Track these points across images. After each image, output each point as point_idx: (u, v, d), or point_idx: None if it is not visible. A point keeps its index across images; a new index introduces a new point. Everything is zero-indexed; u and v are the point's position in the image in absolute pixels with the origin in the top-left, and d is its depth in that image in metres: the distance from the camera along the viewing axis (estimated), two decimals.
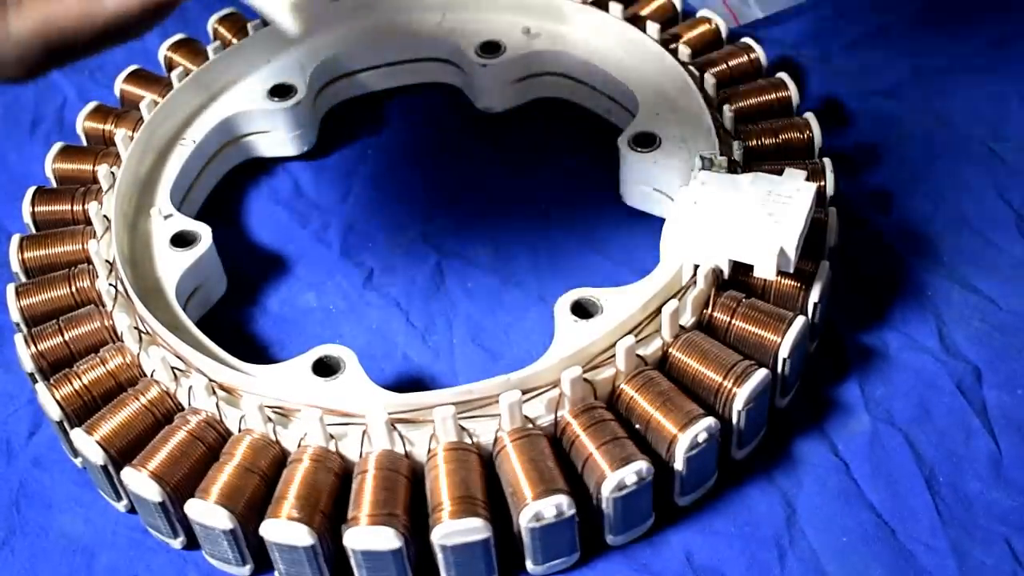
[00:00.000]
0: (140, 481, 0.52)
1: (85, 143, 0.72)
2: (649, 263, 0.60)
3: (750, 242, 0.55)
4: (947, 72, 0.76)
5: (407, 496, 0.51)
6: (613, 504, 0.51)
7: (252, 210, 0.72)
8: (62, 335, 0.59)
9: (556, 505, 0.50)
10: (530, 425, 0.53)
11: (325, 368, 0.56)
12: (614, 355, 0.54)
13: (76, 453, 0.57)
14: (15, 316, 0.61)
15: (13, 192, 0.70)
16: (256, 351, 0.64)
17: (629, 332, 0.55)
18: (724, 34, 0.74)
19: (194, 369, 0.55)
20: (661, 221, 0.58)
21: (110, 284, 0.60)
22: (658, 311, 0.56)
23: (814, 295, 0.57)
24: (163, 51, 0.76)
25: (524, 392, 0.52)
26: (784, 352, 0.55)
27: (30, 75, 0.45)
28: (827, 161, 0.64)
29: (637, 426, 0.54)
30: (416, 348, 0.63)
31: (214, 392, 0.54)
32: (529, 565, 0.53)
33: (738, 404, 0.53)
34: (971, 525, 0.54)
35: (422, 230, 0.69)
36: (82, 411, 0.56)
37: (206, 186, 0.72)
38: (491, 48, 0.74)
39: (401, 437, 0.52)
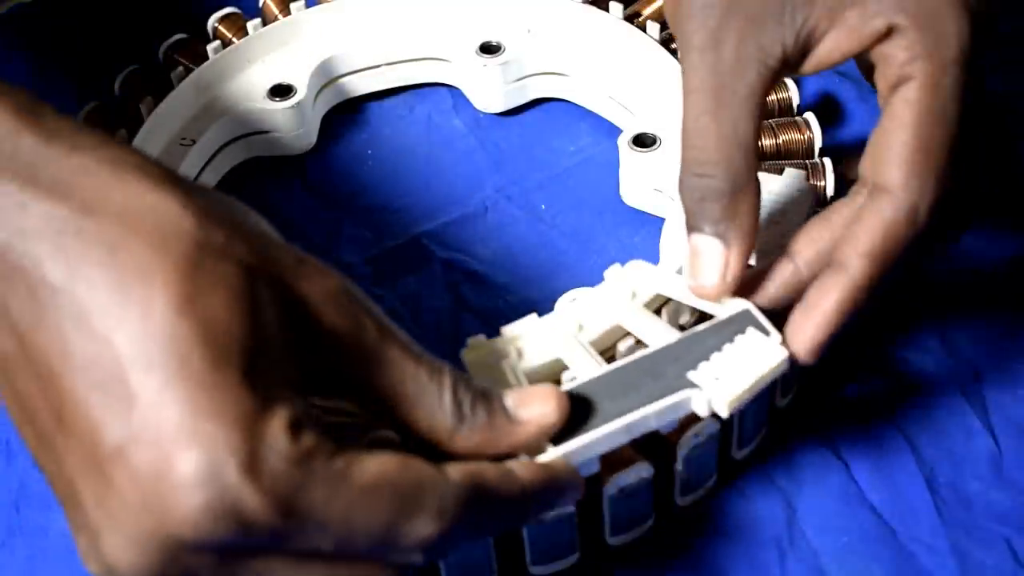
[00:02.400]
0: None
1: None
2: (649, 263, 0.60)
3: None
4: None
5: None
6: (613, 505, 0.51)
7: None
8: None
9: None
10: None
11: None
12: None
13: None
14: None
15: None
16: None
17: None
18: None
19: None
20: (661, 221, 0.58)
21: None
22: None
23: None
24: (163, 50, 0.75)
25: None
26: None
27: None
28: (827, 161, 0.64)
29: None
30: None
31: None
32: (529, 565, 0.53)
33: None
34: (972, 525, 0.54)
35: (422, 230, 0.69)
36: None
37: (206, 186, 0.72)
38: (491, 48, 0.74)
39: None
